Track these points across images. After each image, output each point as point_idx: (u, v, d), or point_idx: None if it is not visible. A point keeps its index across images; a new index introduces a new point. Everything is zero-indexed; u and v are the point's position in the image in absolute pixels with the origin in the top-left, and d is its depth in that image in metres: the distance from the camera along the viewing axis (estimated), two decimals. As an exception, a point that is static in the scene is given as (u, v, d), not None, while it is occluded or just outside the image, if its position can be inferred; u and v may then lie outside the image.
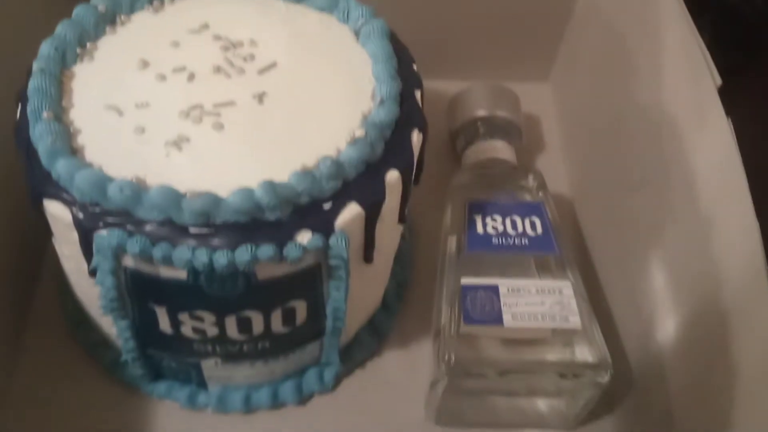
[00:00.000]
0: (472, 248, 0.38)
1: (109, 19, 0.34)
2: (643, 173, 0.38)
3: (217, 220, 0.28)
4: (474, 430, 0.38)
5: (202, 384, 0.37)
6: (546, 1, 0.48)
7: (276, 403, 0.38)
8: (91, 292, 0.32)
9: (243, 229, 0.28)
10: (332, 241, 0.29)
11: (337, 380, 0.39)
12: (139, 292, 0.30)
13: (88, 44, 0.33)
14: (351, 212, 0.30)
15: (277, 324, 0.33)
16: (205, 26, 0.34)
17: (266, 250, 0.28)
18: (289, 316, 0.33)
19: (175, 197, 0.28)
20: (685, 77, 0.34)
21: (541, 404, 0.37)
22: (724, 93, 0.31)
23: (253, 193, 0.28)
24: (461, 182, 0.42)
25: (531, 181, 0.42)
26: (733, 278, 0.30)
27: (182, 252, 0.28)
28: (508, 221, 0.39)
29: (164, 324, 0.32)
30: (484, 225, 0.38)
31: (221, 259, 0.28)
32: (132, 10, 0.34)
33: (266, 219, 0.28)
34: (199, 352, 0.34)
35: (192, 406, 0.38)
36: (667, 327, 0.34)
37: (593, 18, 0.46)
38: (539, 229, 0.38)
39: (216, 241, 0.28)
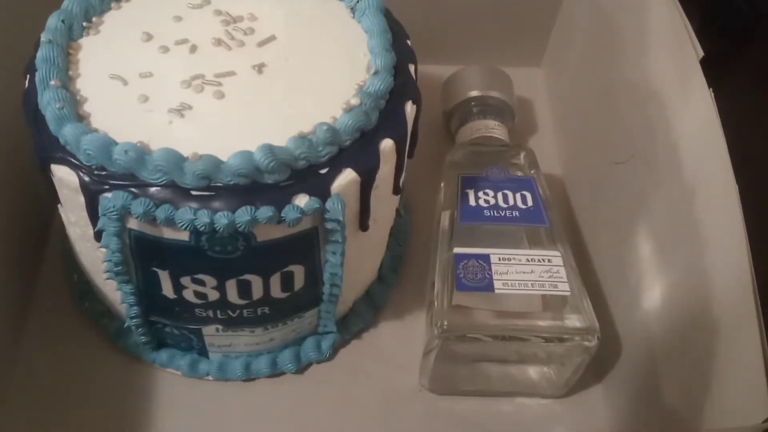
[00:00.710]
0: (464, 220, 0.39)
1: (113, -3, 0.35)
2: (630, 146, 0.39)
3: (218, 182, 0.29)
4: (466, 397, 0.39)
5: (203, 352, 0.39)
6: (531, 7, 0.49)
7: (275, 371, 0.39)
8: (96, 258, 0.33)
9: (243, 191, 0.29)
10: (329, 204, 0.30)
11: (335, 350, 0.40)
12: (142, 255, 0.32)
13: (94, 19, 0.34)
14: (346, 177, 0.31)
15: (276, 289, 0.34)
16: (207, 1, 0.35)
17: (265, 212, 0.29)
18: (287, 281, 0.34)
19: (177, 159, 0.29)
20: (669, 51, 0.35)
21: (532, 371, 0.38)
22: (710, 78, 0.32)
23: (252, 156, 0.29)
24: (455, 159, 0.43)
25: (523, 158, 0.43)
26: (714, 242, 0.31)
27: (185, 213, 0.29)
28: (499, 195, 0.40)
29: (167, 288, 0.33)
30: (477, 198, 0.40)
31: (222, 219, 0.29)
32: (135, -13, 0.36)
33: (265, 182, 0.29)
34: (201, 317, 0.35)
35: (193, 374, 0.39)
36: (653, 296, 0.36)
37: (583, 2, 0.47)
38: (530, 203, 0.40)
39: (217, 203, 0.29)
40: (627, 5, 0.41)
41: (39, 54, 0.32)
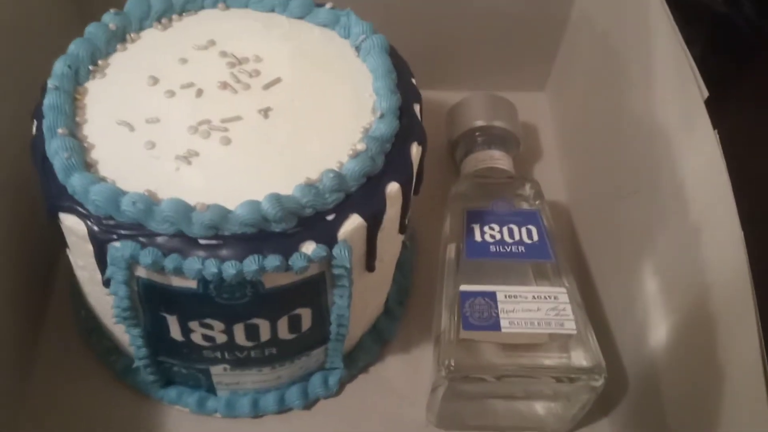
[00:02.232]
0: (470, 256, 0.39)
1: (119, 37, 0.35)
2: (635, 181, 0.39)
3: (226, 231, 0.29)
4: (474, 432, 0.39)
5: (211, 390, 0.39)
6: (541, 14, 0.49)
7: (282, 408, 0.39)
8: (104, 301, 0.33)
9: (250, 240, 0.29)
10: (335, 251, 0.30)
11: (342, 385, 0.40)
12: (151, 301, 0.32)
13: (100, 61, 0.34)
14: (353, 223, 0.31)
15: (283, 331, 0.34)
16: (212, 42, 0.35)
17: (273, 261, 0.29)
18: (294, 323, 0.34)
19: (185, 210, 0.29)
20: (674, 90, 0.35)
21: (539, 407, 0.39)
22: (714, 101, 0.32)
23: (260, 206, 0.29)
24: (460, 191, 0.44)
25: (528, 189, 0.43)
26: (720, 283, 0.31)
27: (192, 263, 0.29)
28: (505, 229, 0.40)
29: (175, 332, 0.33)
30: (482, 233, 0.40)
31: (230, 269, 0.29)
32: (141, 27, 0.36)
33: (272, 230, 0.30)
34: (209, 358, 0.35)
35: (201, 411, 0.39)
36: (659, 331, 0.36)
37: (587, 30, 0.47)
38: (535, 237, 0.40)
39: (225, 252, 0.29)
40: (631, 37, 0.41)
41: (46, 101, 0.32)
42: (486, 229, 0.40)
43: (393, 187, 0.32)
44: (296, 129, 0.32)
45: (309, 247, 0.30)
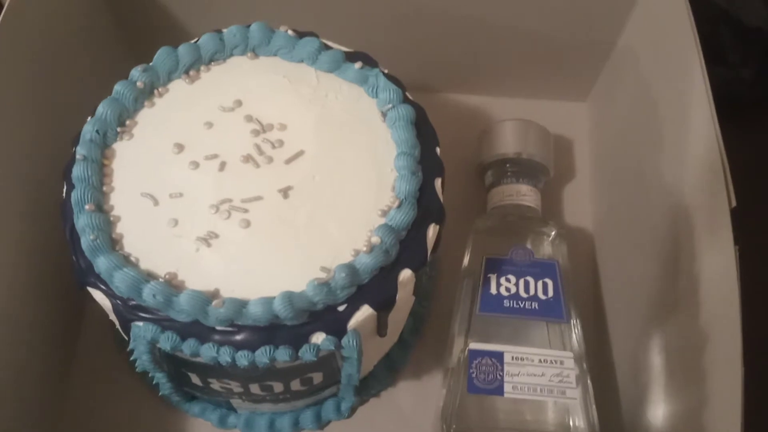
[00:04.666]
0: (483, 310, 0.40)
1: (147, 93, 0.35)
2: (656, 247, 0.39)
3: (240, 323, 0.31)
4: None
5: (231, 409, 0.42)
6: (589, 32, 0.47)
7: (297, 429, 0.42)
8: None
9: (263, 330, 0.31)
10: (344, 340, 0.32)
11: (353, 410, 0.43)
12: (172, 365, 0.34)
13: (128, 121, 0.35)
14: (363, 314, 0.32)
15: (296, 386, 0.36)
16: (238, 103, 0.35)
17: (282, 353, 0.31)
18: (306, 382, 0.36)
19: (201, 303, 0.30)
20: (702, 179, 0.34)
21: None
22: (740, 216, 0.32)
23: (272, 305, 0.30)
24: (484, 226, 0.44)
25: (551, 230, 0.43)
26: (712, 401, 0.32)
27: (208, 350, 0.31)
28: (521, 283, 0.40)
29: (195, 380, 0.36)
30: (498, 285, 0.40)
31: (243, 359, 0.31)
32: (169, 80, 0.36)
33: (284, 323, 0.31)
34: (228, 396, 0.38)
35: (223, 426, 0.42)
36: (656, 410, 0.37)
37: (630, 64, 0.45)
38: (551, 293, 0.40)
39: (239, 339, 0.31)
40: (670, 92, 0.39)
41: (74, 172, 0.33)
42: (502, 281, 0.41)
43: (406, 274, 0.33)
44: (315, 211, 0.33)
45: (318, 338, 0.31)
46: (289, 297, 0.30)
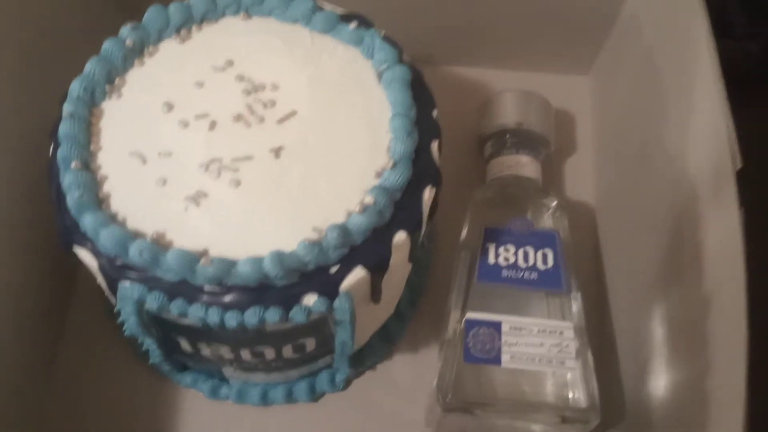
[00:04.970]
0: (481, 279, 0.39)
1: (137, 51, 0.35)
2: (660, 217, 0.38)
3: (229, 282, 0.30)
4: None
5: (223, 379, 0.41)
6: (589, 6, 0.46)
7: (290, 400, 0.41)
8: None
9: (252, 290, 0.30)
10: (336, 303, 0.31)
11: (348, 382, 0.42)
12: (160, 328, 0.33)
13: (117, 80, 0.34)
14: (356, 276, 0.31)
15: (288, 353, 0.35)
16: (230, 63, 0.34)
17: (273, 314, 0.30)
18: (299, 348, 0.35)
19: (189, 262, 0.29)
20: (707, 147, 0.33)
21: (536, 428, 0.40)
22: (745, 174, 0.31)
23: (262, 264, 0.29)
24: (483, 197, 0.43)
25: (551, 201, 0.42)
26: (715, 364, 0.31)
27: (196, 310, 0.30)
28: (520, 252, 0.39)
29: (185, 346, 0.35)
30: (497, 255, 0.39)
31: (231, 320, 0.30)
32: (159, 39, 0.35)
33: (274, 284, 0.30)
34: (219, 363, 0.37)
35: (214, 397, 0.41)
36: (658, 381, 0.36)
37: (635, 32, 0.44)
38: (550, 262, 0.39)
39: (228, 299, 0.30)
40: (675, 62, 0.38)
41: (61, 129, 0.32)
42: (501, 250, 0.40)
43: (400, 237, 0.32)
44: (307, 171, 0.32)
45: (310, 300, 0.31)
46: (279, 256, 0.29)
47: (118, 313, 0.37)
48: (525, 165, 0.44)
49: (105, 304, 0.43)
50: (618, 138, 0.46)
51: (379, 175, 0.32)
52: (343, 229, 0.30)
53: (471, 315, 0.38)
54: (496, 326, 0.37)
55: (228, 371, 0.39)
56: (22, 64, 0.38)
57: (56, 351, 0.42)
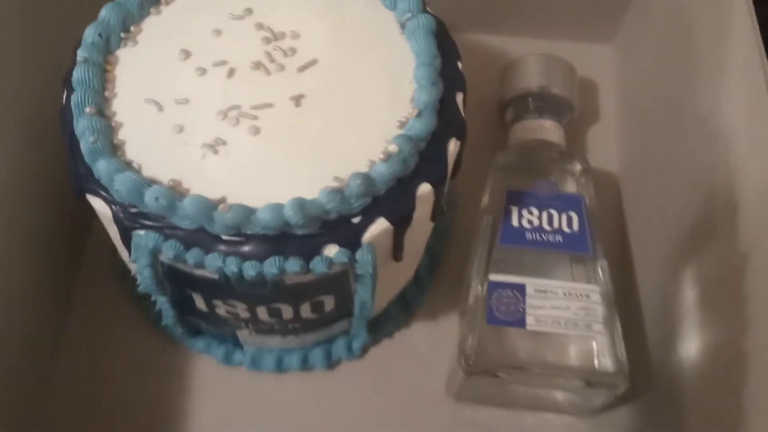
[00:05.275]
0: (504, 241, 0.38)
1: (153, 1, 0.33)
2: (691, 177, 0.37)
3: (248, 231, 0.29)
4: (493, 408, 0.40)
5: (237, 344, 0.40)
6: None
7: (306, 367, 0.40)
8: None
9: (272, 240, 0.29)
10: (359, 255, 0.30)
11: (365, 349, 0.41)
12: (175, 282, 0.32)
13: (132, 27, 0.33)
14: (379, 227, 0.30)
15: (306, 312, 0.34)
16: (249, 11, 0.33)
17: (293, 264, 0.29)
18: (317, 307, 0.34)
19: (207, 209, 0.28)
20: (744, 101, 0.32)
21: (559, 395, 0.38)
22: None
23: (282, 210, 0.28)
24: (504, 162, 0.42)
25: (576, 166, 0.41)
26: (759, 319, 0.30)
27: (213, 259, 0.29)
28: (544, 215, 0.38)
29: (200, 304, 0.34)
30: (520, 217, 0.38)
31: (250, 270, 0.29)
32: (177, -13, 0.34)
33: (295, 233, 0.29)
34: (234, 325, 0.36)
35: (228, 363, 0.40)
36: (689, 345, 0.35)
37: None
38: (575, 226, 0.38)
39: (246, 249, 0.29)
40: (708, 19, 0.37)
41: (75, 74, 0.31)
42: (524, 213, 0.38)
43: (425, 189, 0.31)
44: (328, 120, 0.31)
45: (331, 251, 0.29)
46: (300, 203, 0.28)
47: (129, 275, 0.37)
48: (548, 129, 0.43)
49: (116, 267, 0.42)
50: (643, 104, 0.45)
51: (402, 125, 0.31)
52: (366, 178, 0.29)
53: (494, 277, 0.37)
54: (520, 288, 0.36)
55: (243, 335, 0.38)
56: (34, 15, 0.37)
57: (66, 317, 0.41)
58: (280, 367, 0.40)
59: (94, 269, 0.43)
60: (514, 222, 0.38)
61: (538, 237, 0.38)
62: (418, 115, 0.31)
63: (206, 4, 0.34)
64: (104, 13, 0.32)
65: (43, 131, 0.37)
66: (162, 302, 0.35)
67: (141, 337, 0.41)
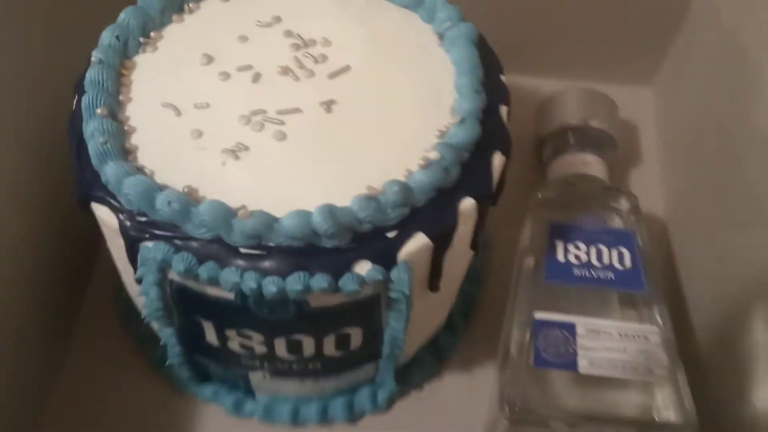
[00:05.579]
0: (550, 277, 0.34)
1: (176, 7, 0.32)
2: (755, 211, 0.33)
3: (270, 242, 0.26)
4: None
5: (249, 392, 0.36)
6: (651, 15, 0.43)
7: (325, 420, 0.36)
8: (139, 294, 0.31)
9: (297, 253, 0.26)
10: (394, 273, 0.26)
11: (391, 401, 0.37)
12: (184, 306, 0.29)
13: (153, 33, 0.31)
14: (417, 243, 0.27)
15: (329, 348, 0.30)
16: (277, 19, 0.31)
17: (320, 281, 0.25)
18: (342, 341, 0.30)
19: (225, 215, 0.25)
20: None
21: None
22: None
23: (310, 218, 0.25)
24: (545, 197, 0.39)
25: (623, 203, 0.38)
26: None
27: (230, 274, 0.26)
28: (593, 250, 0.35)
29: (211, 336, 0.30)
30: (566, 252, 0.35)
31: (271, 286, 0.25)
32: (201, -4, 0.32)
33: (322, 245, 0.26)
34: (247, 365, 0.32)
35: (238, 413, 0.36)
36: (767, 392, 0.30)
37: (710, 21, 0.41)
38: (627, 263, 0.35)
39: (267, 265, 0.26)
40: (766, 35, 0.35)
41: (88, 75, 0.28)
42: (571, 247, 0.35)
43: (467, 203, 0.28)
44: (361, 127, 0.28)
45: (363, 268, 0.26)
46: (331, 210, 0.25)
47: (132, 314, 0.33)
48: (591, 164, 0.40)
49: (119, 306, 0.39)
50: (689, 142, 0.42)
51: (442, 135, 0.28)
52: (404, 186, 0.26)
53: (540, 315, 0.33)
54: (570, 328, 0.32)
55: (256, 378, 0.34)
56: (47, 27, 0.35)
57: (63, 362, 0.37)
58: (296, 418, 0.36)
59: (95, 310, 0.39)
60: (560, 257, 0.35)
61: (587, 273, 0.34)
62: (461, 122, 0.28)
63: (232, 12, 0.32)
64: (123, 15, 0.30)
65: (51, 160, 0.34)
66: (168, 336, 0.31)
67: (143, 384, 0.37)
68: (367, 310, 0.28)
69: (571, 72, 0.48)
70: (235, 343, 0.30)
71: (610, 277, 0.34)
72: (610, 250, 0.35)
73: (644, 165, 0.46)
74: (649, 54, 0.47)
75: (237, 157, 0.27)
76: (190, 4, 0.32)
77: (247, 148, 0.27)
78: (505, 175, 0.31)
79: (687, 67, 0.44)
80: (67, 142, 0.31)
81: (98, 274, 0.40)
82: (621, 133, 0.42)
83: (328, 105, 0.28)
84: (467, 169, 0.28)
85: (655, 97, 0.48)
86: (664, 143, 0.46)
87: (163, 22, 0.31)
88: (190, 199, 0.26)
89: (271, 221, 0.25)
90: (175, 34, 0.31)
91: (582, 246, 0.35)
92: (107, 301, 0.39)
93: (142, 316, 0.34)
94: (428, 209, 0.27)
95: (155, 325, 0.32)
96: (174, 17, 0.31)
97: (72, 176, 0.29)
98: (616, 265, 0.34)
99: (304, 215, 0.25)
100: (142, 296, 0.29)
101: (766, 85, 0.34)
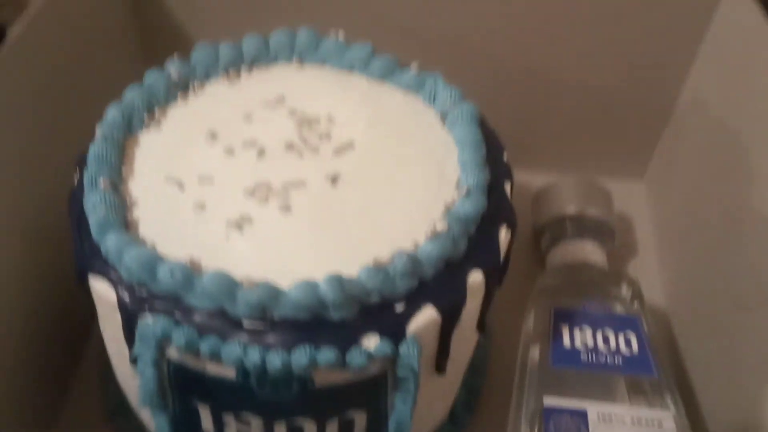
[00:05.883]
0: (557, 363, 0.33)
1: (181, 87, 0.32)
2: (758, 291, 0.33)
3: (275, 315, 0.25)
4: None
5: (242, 491, 0.33)
6: (646, 93, 0.44)
7: None
8: (131, 380, 0.29)
9: (302, 327, 0.25)
10: (402, 348, 0.25)
11: (392, 500, 0.34)
12: (181, 387, 0.27)
13: (157, 111, 0.31)
14: (426, 316, 0.26)
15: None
16: (281, 99, 0.31)
17: (326, 355, 0.24)
18: (345, 428, 0.29)
19: (229, 286, 0.24)
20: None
21: None
22: None
23: (317, 288, 0.24)
24: (546, 285, 0.38)
25: (625, 290, 0.37)
26: None
27: (232, 348, 0.24)
28: (599, 335, 0.34)
29: (207, 423, 0.29)
30: (572, 337, 0.34)
31: (275, 360, 0.24)
32: (207, 78, 0.32)
33: (329, 318, 0.25)
34: (242, 457, 0.30)
35: None
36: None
37: (699, 113, 0.42)
38: (635, 347, 0.34)
39: (271, 339, 0.25)
40: (757, 124, 0.36)
41: (91, 150, 0.28)
42: (576, 332, 0.34)
43: (476, 277, 0.27)
44: (367, 200, 0.28)
45: (371, 341, 0.25)
46: (339, 280, 0.24)
47: (120, 408, 0.32)
48: (590, 252, 0.39)
49: (107, 399, 0.37)
50: (686, 232, 0.42)
51: (448, 207, 0.28)
52: (412, 256, 0.26)
53: (549, 401, 0.31)
54: (581, 415, 0.31)
55: (252, 473, 0.32)
56: (45, 118, 0.35)
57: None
58: None
59: (82, 403, 0.37)
60: (566, 343, 0.34)
61: (594, 359, 0.33)
62: (467, 194, 0.28)
63: (237, 92, 0.32)
64: (129, 94, 0.30)
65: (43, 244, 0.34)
66: (161, 424, 0.29)
67: (128, 483, 0.35)
68: (374, 391, 0.27)
69: (561, 166, 0.48)
70: (232, 430, 0.29)
71: (619, 362, 0.33)
72: (617, 335, 0.34)
73: (641, 256, 0.46)
74: (639, 148, 0.48)
75: (241, 229, 0.27)
76: (196, 85, 0.32)
77: (251, 220, 0.27)
78: (510, 251, 0.30)
79: (677, 158, 0.45)
80: (59, 229, 0.31)
81: (84, 368, 0.39)
82: (617, 224, 0.42)
83: (333, 179, 0.28)
84: (474, 242, 0.27)
85: (648, 190, 0.49)
86: (660, 235, 0.46)
87: (167, 100, 0.31)
88: (193, 270, 0.25)
89: (276, 292, 0.24)
90: (180, 112, 0.31)
91: (588, 330, 0.34)
92: (93, 396, 0.37)
93: (134, 404, 0.32)
94: (437, 281, 0.26)
95: (148, 413, 0.30)
96: (179, 96, 0.32)
97: (62, 263, 0.28)
98: (624, 349, 0.34)
99: (312, 285, 0.24)
100: (136, 380, 0.27)
101: (761, 167, 0.34)
